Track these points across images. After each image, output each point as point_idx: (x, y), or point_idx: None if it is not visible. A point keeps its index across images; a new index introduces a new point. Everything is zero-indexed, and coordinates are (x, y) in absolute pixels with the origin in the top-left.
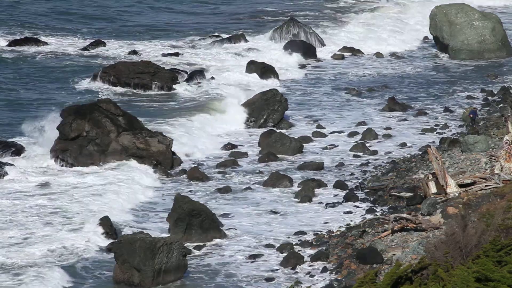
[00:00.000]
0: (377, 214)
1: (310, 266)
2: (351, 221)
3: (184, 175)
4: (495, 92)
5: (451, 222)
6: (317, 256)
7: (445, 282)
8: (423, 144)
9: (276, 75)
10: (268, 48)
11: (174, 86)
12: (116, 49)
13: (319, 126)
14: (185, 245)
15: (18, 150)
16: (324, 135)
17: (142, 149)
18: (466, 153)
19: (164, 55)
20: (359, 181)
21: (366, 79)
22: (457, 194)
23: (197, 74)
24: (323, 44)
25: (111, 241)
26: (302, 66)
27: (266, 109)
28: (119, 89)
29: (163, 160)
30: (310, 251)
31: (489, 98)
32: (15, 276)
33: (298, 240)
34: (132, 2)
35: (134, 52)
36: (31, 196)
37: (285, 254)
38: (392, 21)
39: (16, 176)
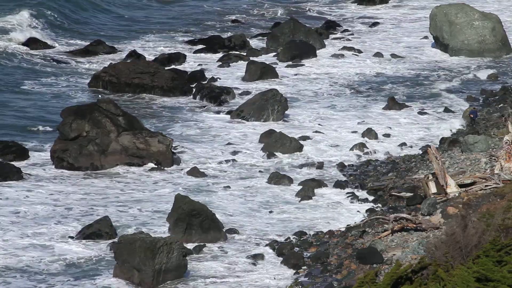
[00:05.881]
0: (377, 214)
1: (310, 266)
2: (351, 221)
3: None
4: (495, 92)
5: (451, 222)
6: (317, 256)
7: (445, 282)
8: (423, 144)
9: (276, 75)
10: (268, 48)
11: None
12: (116, 51)
13: (319, 126)
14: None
15: (19, 151)
16: (324, 135)
17: (142, 149)
18: (466, 153)
19: (164, 55)
20: (359, 181)
21: (366, 79)
22: (457, 194)
23: (197, 75)
24: (323, 44)
25: (111, 241)
26: (302, 66)
27: (266, 109)
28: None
29: (163, 160)
30: (310, 251)
31: (489, 98)
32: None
33: (298, 240)
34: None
35: (134, 53)
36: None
37: (285, 254)
38: (392, 20)
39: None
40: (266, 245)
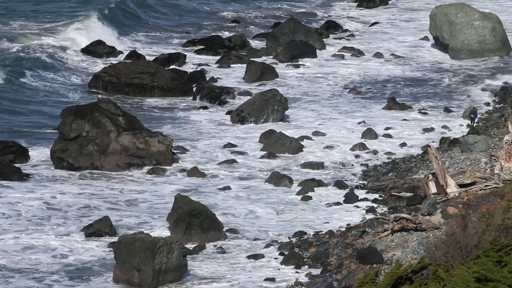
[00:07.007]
0: (377, 214)
1: (310, 266)
2: (351, 221)
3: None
4: (495, 92)
5: (451, 222)
6: (317, 256)
7: (445, 282)
8: (423, 144)
9: (276, 75)
10: (268, 48)
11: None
12: (116, 51)
13: (319, 126)
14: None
15: (19, 151)
16: (324, 135)
17: (142, 149)
18: (466, 153)
19: (164, 55)
20: (359, 181)
21: (366, 79)
22: (457, 194)
23: (197, 75)
24: (323, 44)
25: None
26: (302, 66)
27: (266, 109)
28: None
29: (163, 160)
30: (310, 251)
31: (489, 98)
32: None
33: (298, 240)
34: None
35: (134, 53)
36: None
37: (285, 254)
38: (392, 20)
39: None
40: (266, 245)
